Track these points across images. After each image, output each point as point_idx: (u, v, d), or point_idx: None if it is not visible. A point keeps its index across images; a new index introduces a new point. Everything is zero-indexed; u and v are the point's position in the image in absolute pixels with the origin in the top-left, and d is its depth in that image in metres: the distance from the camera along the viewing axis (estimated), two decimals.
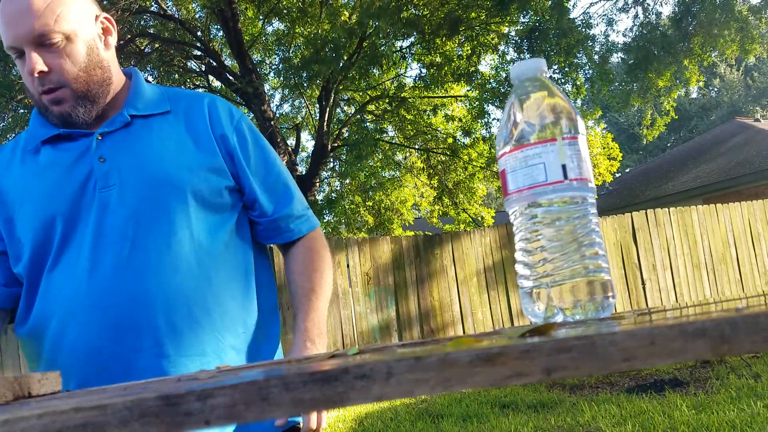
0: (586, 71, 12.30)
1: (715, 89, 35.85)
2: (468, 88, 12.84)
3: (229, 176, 1.31)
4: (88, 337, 1.17)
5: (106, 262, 1.18)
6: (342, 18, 11.13)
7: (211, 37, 12.24)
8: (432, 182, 13.99)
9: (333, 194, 15.24)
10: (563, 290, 0.71)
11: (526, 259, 0.74)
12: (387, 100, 12.86)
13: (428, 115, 13.41)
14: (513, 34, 11.84)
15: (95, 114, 1.26)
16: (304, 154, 16.56)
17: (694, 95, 34.87)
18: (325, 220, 14.14)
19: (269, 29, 13.21)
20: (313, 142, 14.17)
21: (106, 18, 1.30)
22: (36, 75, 1.18)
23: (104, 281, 1.17)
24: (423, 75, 12.24)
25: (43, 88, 1.20)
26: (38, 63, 1.18)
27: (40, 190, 1.23)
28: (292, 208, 1.41)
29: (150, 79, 11.52)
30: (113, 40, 1.31)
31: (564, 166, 0.72)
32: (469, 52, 11.57)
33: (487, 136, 12.94)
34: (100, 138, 1.25)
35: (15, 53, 1.21)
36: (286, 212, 1.40)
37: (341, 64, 10.55)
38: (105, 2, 9.31)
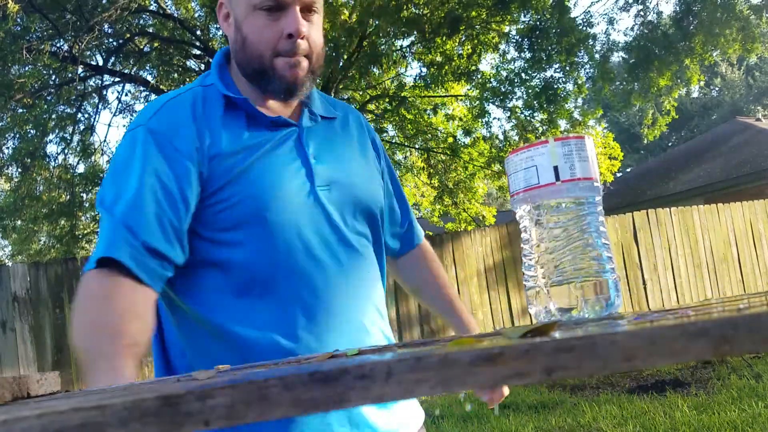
0: (587, 70, 12.29)
1: (717, 89, 35.84)
2: (468, 87, 12.82)
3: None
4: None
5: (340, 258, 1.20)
6: (342, 17, 11.12)
7: (211, 36, 12.23)
8: (432, 182, 13.98)
9: None
10: (566, 290, 0.71)
11: (530, 259, 0.74)
12: (387, 100, 12.85)
13: (428, 114, 13.40)
14: (514, 33, 11.83)
15: (306, 96, 1.25)
16: None
17: (695, 95, 34.86)
18: None
19: None
20: None
21: None
22: (299, 36, 1.14)
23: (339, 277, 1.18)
24: (423, 74, 12.23)
25: (289, 50, 1.15)
26: (304, 25, 1.15)
27: (260, 169, 1.15)
28: (412, 212, 1.50)
29: (149, 78, 11.53)
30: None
31: (556, 168, 0.72)
32: (470, 51, 11.56)
33: (488, 135, 12.92)
34: (303, 131, 1.23)
35: (270, 4, 1.13)
36: (412, 217, 1.48)
37: (341, 63, 10.54)
38: (104, 1, 9.32)
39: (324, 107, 1.31)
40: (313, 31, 1.18)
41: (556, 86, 11.42)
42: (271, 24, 1.14)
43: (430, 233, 7.25)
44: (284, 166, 1.17)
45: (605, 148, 12.97)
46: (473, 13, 10.80)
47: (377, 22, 9.81)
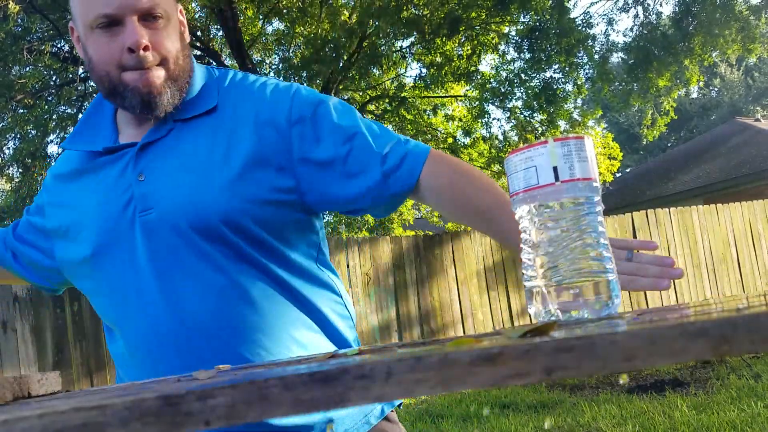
0: (587, 71, 12.29)
1: (716, 89, 35.84)
2: (468, 87, 12.83)
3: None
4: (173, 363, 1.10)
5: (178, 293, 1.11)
6: (342, 18, 11.12)
7: (211, 36, 12.24)
8: None
9: None
10: (565, 290, 0.71)
11: (530, 259, 0.74)
12: (387, 100, 12.86)
13: (428, 114, 13.41)
14: (513, 33, 11.83)
15: (174, 106, 1.14)
16: None
17: (694, 95, 34.86)
18: (325, 220, 14.16)
19: (269, 29, 13.21)
20: None
21: (181, 11, 1.20)
22: (140, 49, 1.07)
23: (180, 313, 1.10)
24: (423, 75, 12.24)
25: (132, 64, 1.08)
26: (144, 36, 1.08)
27: (88, 210, 1.16)
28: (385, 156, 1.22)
29: None
30: (187, 35, 1.21)
31: (555, 168, 0.72)
32: (470, 51, 11.57)
33: (488, 135, 12.93)
34: (141, 150, 1.14)
35: (104, 21, 1.08)
36: (385, 164, 1.21)
37: (341, 64, 10.55)
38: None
39: (191, 107, 1.17)
40: (161, 37, 1.10)
41: (555, 87, 11.43)
42: (111, 40, 1.09)
43: (431, 233, 7.25)
44: (105, 194, 1.15)
45: (604, 148, 12.99)
46: (473, 14, 10.80)
47: (377, 23, 9.82)
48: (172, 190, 1.10)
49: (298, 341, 1.13)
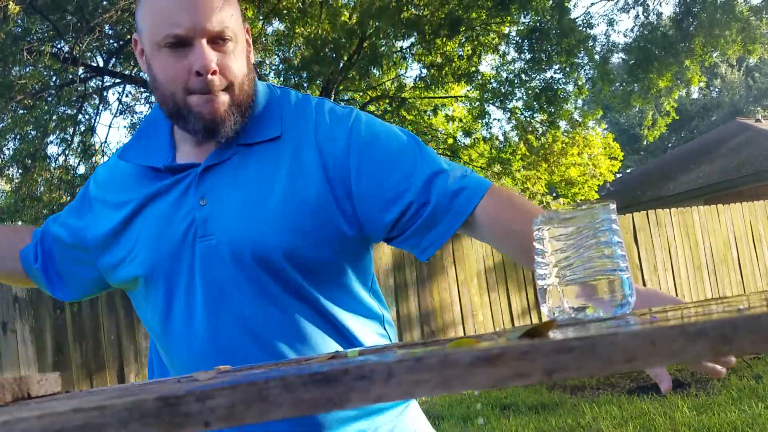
0: (587, 71, 12.30)
1: (716, 90, 35.83)
2: (468, 88, 12.83)
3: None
4: None
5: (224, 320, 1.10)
6: (342, 18, 11.13)
7: None
8: None
9: None
10: (580, 288, 0.71)
11: (543, 258, 0.74)
12: (387, 101, 12.86)
13: (429, 115, 13.41)
14: (514, 34, 11.84)
15: (236, 132, 1.11)
16: None
17: (695, 96, 34.85)
18: None
19: (269, 29, 13.21)
20: None
21: (247, 30, 1.17)
22: (209, 73, 1.05)
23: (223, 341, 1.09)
24: (423, 75, 12.24)
25: (202, 87, 1.06)
26: (213, 60, 1.05)
27: (145, 227, 1.14)
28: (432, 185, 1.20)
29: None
30: (252, 56, 1.17)
31: None
32: (470, 52, 11.57)
33: (488, 136, 12.93)
34: (203, 172, 1.12)
35: (172, 41, 1.05)
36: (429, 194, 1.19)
37: (341, 65, 10.55)
38: (105, 3, 9.32)
39: (255, 131, 1.15)
40: (229, 61, 1.08)
41: (556, 87, 11.43)
42: (178, 61, 1.06)
43: None
44: (165, 214, 1.13)
45: (605, 148, 12.99)
46: (473, 15, 10.80)
47: (377, 24, 9.82)
48: (234, 218, 1.08)
49: None
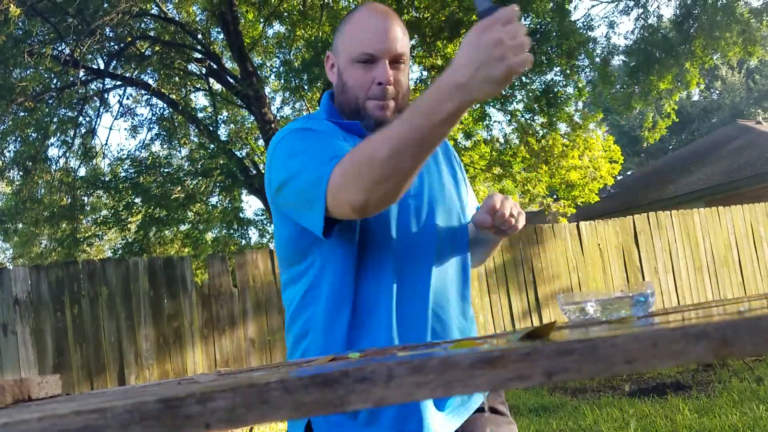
0: (588, 74, 12.30)
1: (717, 92, 35.83)
2: None
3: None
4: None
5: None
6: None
7: (212, 39, 12.25)
8: None
9: None
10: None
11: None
12: None
13: None
14: None
15: None
16: None
17: (695, 98, 34.83)
18: None
19: (270, 32, 13.22)
20: None
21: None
22: (388, 84, 1.39)
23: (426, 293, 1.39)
24: (424, 77, 12.24)
25: (378, 95, 1.40)
26: (392, 75, 1.40)
27: None
28: None
29: (151, 82, 11.53)
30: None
31: None
32: None
33: (488, 138, 12.93)
34: None
35: (365, 58, 1.40)
36: None
37: None
38: (106, 5, 9.33)
39: None
40: (400, 77, 1.43)
41: (556, 89, 11.42)
42: (366, 73, 1.40)
43: None
44: None
45: (606, 151, 12.98)
46: (474, 17, 10.80)
47: None
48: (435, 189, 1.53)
49: None
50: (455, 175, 1.60)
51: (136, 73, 11.24)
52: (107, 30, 9.65)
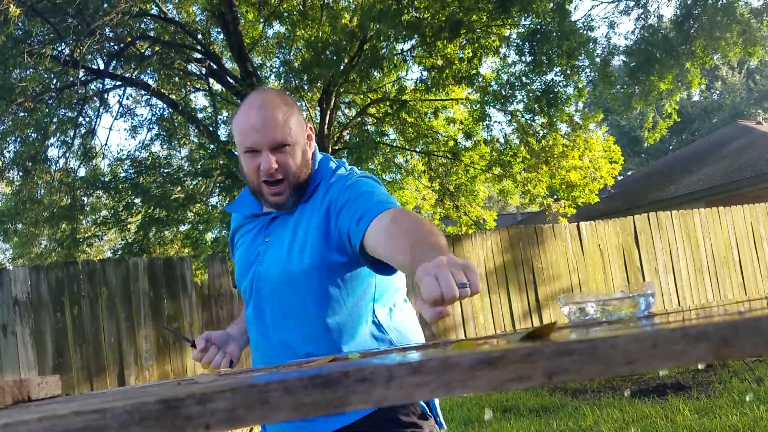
0: (588, 74, 12.29)
1: (717, 92, 35.83)
2: (469, 90, 12.82)
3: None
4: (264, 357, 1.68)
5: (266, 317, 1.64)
6: (343, 21, 11.13)
7: (212, 39, 12.25)
8: (433, 185, 13.98)
9: None
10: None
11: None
12: (388, 103, 12.85)
13: (429, 117, 13.40)
14: (514, 36, 11.83)
15: (296, 204, 1.62)
16: None
17: (696, 98, 34.83)
18: None
19: (270, 32, 13.22)
20: None
21: (310, 128, 1.68)
22: (270, 172, 1.54)
23: (266, 330, 1.63)
24: (424, 78, 12.23)
25: (268, 179, 1.55)
26: (273, 163, 1.54)
27: (241, 254, 1.73)
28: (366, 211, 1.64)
29: (150, 82, 11.54)
30: (314, 144, 1.69)
31: None
32: (471, 54, 11.57)
33: (489, 138, 12.92)
34: (271, 221, 1.67)
35: (250, 151, 1.55)
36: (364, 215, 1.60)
37: (342, 67, 10.54)
38: (105, 5, 9.33)
39: (304, 195, 1.65)
40: (286, 159, 1.56)
41: (556, 90, 11.41)
42: (252, 162, 1.56)
43: None
44: (249, 247, 1.71)
45: (606, 151, 12.97)
46: (474, 17, 10.81)
47: (378, 26, 9.81)
48: (276, 252, 1.62)
49: None
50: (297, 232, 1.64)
51: (135, 73, 11.24)
52: (107, 30, 9.65)
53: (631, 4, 12.62)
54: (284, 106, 1.58)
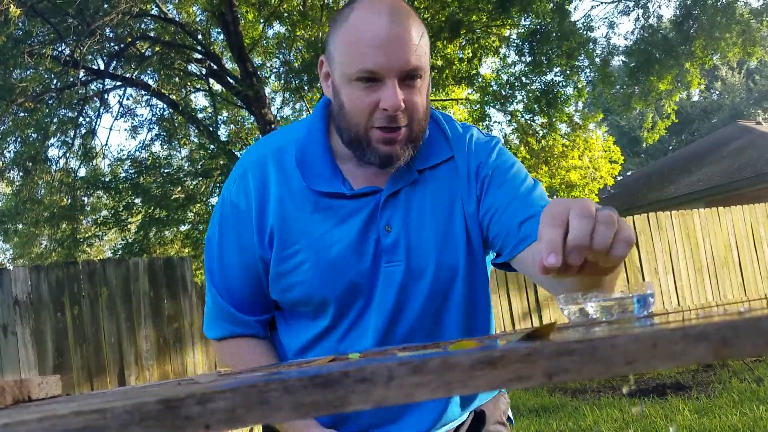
0: (588, 74, 12.30)
1: (717, 92, 35.83)
2: (469, 91, 12.83)
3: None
4: None
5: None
6: None
7: (212, 40, 12.25)
8: None
9: None
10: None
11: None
12: None
13: None
14: (514, 36, 11.84)
15: (408, 161, 1.16)
16: None
17: (695, 98, 34.84)
18: None
19: (270, 32, 13.22)
20: None
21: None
22: (396, 111, 1.08)
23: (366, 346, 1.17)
24: None
25: (387, 124, 1.09)
26: (401, 99, 1.08)
27: (331, 254, 1.16)
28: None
29: (151, 82, 11.54)
30: (430, 84, 1.21)
31: None
32: (471, 55, 11.57)
33: None
34: (386, 200, 1.17)
35: (366, 76, 1.07)
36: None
37: None
38: (106, 6, 9.33)
39: (428, 155, 1.21)
40: (414, 96, 1.10)
41: (556, 90, 11.42)
42: (367, 95, 1.08)
43: None
44: (352, 241, 1.16)
45: (606, 151, 12.98)
46: (474, 17, 10.81)
47: None
48: (419, 246, 1.16)
49: None
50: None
51: (136, 73, 11.24)
52: (107, 30, 9.65)
53: (631, 4, 12.63)
54: (417, 18, 1.15)
